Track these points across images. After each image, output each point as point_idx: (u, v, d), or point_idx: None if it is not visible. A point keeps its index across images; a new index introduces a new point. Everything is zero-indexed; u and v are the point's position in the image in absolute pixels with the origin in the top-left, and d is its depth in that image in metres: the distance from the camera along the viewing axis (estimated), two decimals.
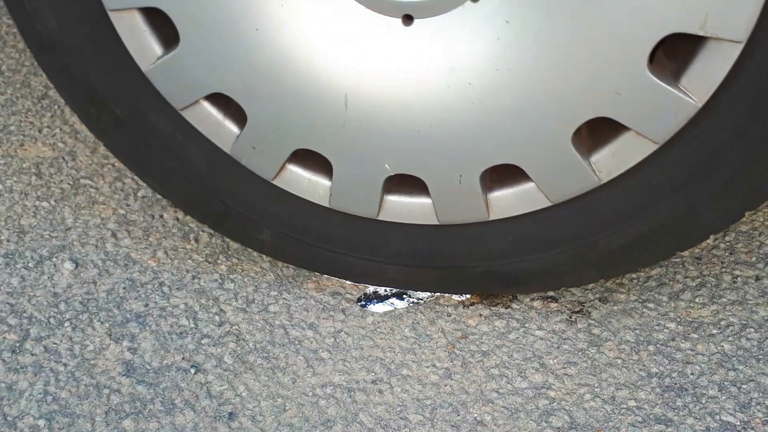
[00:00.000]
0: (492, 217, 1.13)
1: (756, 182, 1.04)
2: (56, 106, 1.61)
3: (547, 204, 1.10)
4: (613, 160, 1.06)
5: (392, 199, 1.15)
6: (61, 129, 1.56)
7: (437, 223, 1.15)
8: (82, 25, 1.14)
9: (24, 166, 1.47)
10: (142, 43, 1.12)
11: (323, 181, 1.16)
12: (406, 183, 1.14)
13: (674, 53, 1.00)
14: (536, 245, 1.15)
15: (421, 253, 1.19)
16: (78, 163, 1.48)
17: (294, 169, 1.16)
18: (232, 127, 1.16)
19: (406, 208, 1.15)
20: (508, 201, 1.12)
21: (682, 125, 1.01)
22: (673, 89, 0.98)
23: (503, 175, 1.11)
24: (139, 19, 1.11)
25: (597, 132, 1.06)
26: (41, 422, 1.07)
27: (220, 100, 1.14)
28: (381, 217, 1.16)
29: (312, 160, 1.16)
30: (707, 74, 0.97)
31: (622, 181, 1.07)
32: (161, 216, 1.38)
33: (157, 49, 1.12)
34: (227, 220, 1.24)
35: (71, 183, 1.44)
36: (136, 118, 1.19)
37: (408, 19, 1.04)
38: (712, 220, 1.09)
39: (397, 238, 1.18)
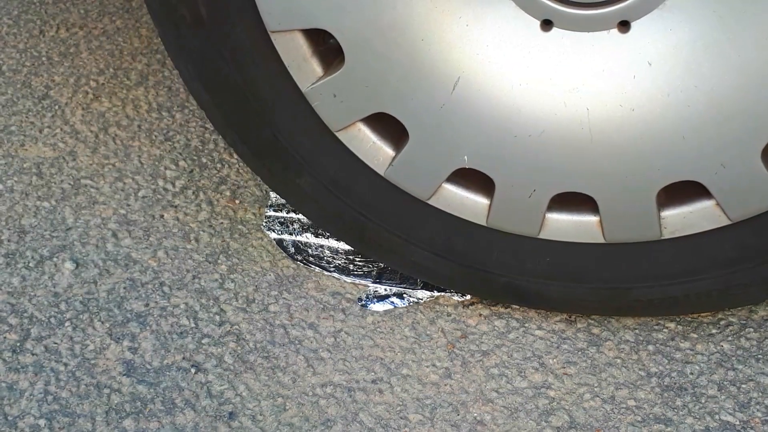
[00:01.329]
0: (541, 236, 1.13)
1: None
2: (57, 107, 1.62)
3: (601, 241, 1.11)
4: (681, 221, 1.08)
5: (448, 188, 1.14)
6: (61, 129, 1.56)
7: (484, 224, 1.14)
8: None
9: (25, 166, 1.47)
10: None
11: (387, 149, 1.14)
12: (469, 177, 1.13)
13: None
14: (571, 275, 1.16)
15: (455, 249, 1.18)
16: (78, 164, 1.48)
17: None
18: (317, 68, 1.11)
19: (459, 201, 1.14)
20: (564, 225, 1.12)
21: (761, 212, 1.04)
22: None
23: (570, 198, 1.11)
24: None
25: (675, 190, 1.07)
26: (42, 422, 1.08)
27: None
28: (431, 202, 1.15)
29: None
30: None
31: (681, 243, 1.09)
32: (162, 216, 1.39)
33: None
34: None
35: (72, 183, 1.44)
36: (219, 24, 1.11)
37: (547, 25, 1.02)
38: (741, 299, 1.13)
39: (439, 227, 1.17)
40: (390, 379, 1.14)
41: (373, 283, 1.27)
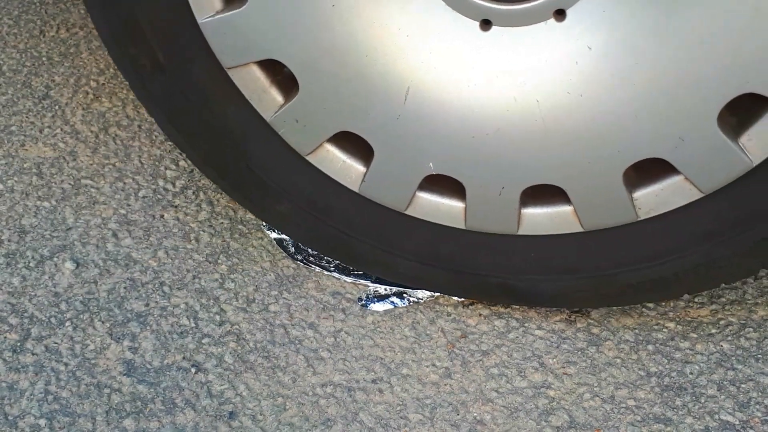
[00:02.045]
0: (520, 232, 1.14)
1: None
2: (57, 107, 1.62)
3: (579, 230, 1.11)
4: (654, 200, 1.07)
5: (423, 196, 1.15)
6: (62, 129, 1.56)
7: (463, 227, 1.15)
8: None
9: (25, 166, 1.47)
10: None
11: (358, 165, 1.16)
12: (441, 183, 1.14)
13: (737, 108, 1.01)
14: (558, 268, 1.16)
15: (441, 254, 1.19)
16: (79, 164, 1.48)
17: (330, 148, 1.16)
18: (277, 96, 1.14)
19: (435, 207, 1.15)
20: (540, 219, 1.12)
21: (731, 180, 1.02)
22: (733, 144, 1.00)
23: (542, 192, 1.11)
24: None
25: (643, 168, 1.07)
26: (42, 422, 1.08)
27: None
28: (408, 212, 1.16)
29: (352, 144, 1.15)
30: (766, 135, 0.99)
31: (658, 221, 1.09)
32: (162, 216, 1.39)
33: (217, 2, 1.09)
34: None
35: (72, 183, 1.44)
36: (178, 67, 1.16)
37: (486, 24, 1.03)
38: (731, 272, 1.11)
39: (419, 235, 1.18)
40: (390, 379, 1.14)
41: (373, 282, 1.27)
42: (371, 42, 1.05)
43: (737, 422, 1.09)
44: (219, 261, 1.31)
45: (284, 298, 1.26)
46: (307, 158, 1.16)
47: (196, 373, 1.14)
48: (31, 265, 1.29)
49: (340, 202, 1.19)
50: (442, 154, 1.10)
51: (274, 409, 1.10)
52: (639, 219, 1.08)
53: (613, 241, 1.12)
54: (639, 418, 1.09)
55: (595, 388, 1.13)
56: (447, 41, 1.05)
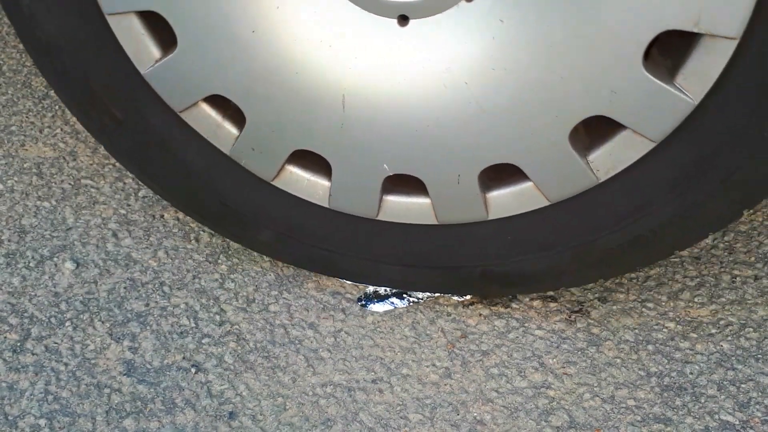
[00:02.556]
0: (491, 217, 1.13)
1: (753, 181, 1.04)
2: (57, 107, 1.62)
3: (546, 203, 1.11)
4: (610, 159, 1.05)
5: (391, 199, 1.16)
6: (62, 129, 1.56)
7: (436, 222, 1.15)
8: (81, 29, 1.14)
9: (25, 166, 1.47)
10: (140, 47, 1.12)
11: (322, 181, 1.17)
12: (406, 183, 1.14)
13: (669, 51, 1.00)
14: (535, 245, 1.15)
15: (419, 253, 1.19)
16: (79, 163, 1.48)
17: (293, 170, 1.17)
18: (232, 129, 1.16)
19: (405, 208, 1.16)
20: (506, 200, 1.12)
21: (678, 123, 1.00)
22: (668, 87, 0.98)
23: (503, 174, 1.12)
24: (137, 23, 1.11)
25: (595, 131, 1.06)
26: (42, 422, 1.08)
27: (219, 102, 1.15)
28: (380, 217, 1.17)
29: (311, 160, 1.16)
30: (702, 72, 0.96)
31: (620, 180, 1.07)
32: (162, 216, 1.39)
33: (155, 52, 1.13)
34: (226, 220, 1.25)
35: (72, 183, 1.44)
36: (135, 120, 1.19)
37: (404, 20, 1.04)
38: (710, 219, 1.09)
39: (395, 238, 1.19)
40: (390, 379, 1.14)
41: (373, 283, 1.27)
42: (298, 59, 1.07)
43: (737, 422, 1.09)
44: (219, 261, 1.31)
45: (284, 298, 1.26)
46: (274, 183, 1.18)
47: (196, 373, 1.14)
48: (31, 265, 1.29)
49: (315, 221, 1.20)
50: (392, 153, 1.10)
51: (274, 409, 1.10)
52: (600, 181, 1.07)
53: (582, 209, 1.11)
54: (639, 418, 1.09)
55: (595, 388, 1.13)
56: (369, 43, 1.06)
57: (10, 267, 1.29)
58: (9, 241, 1.33)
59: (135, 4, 1.09)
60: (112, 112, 1.20)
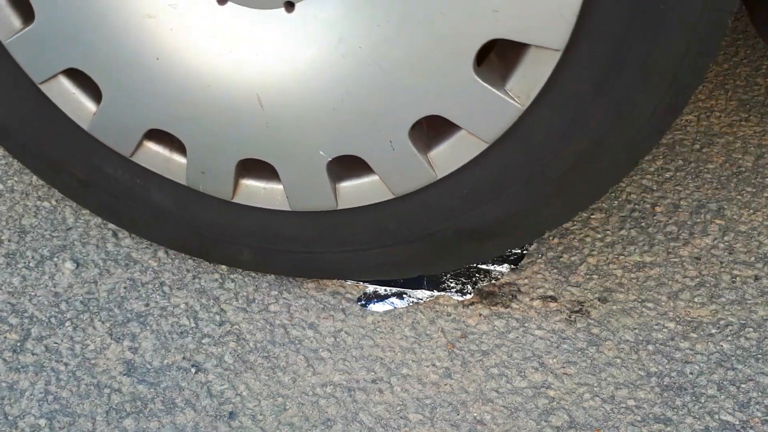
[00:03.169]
0: (340, 206, 1.15)
1: (582, 184, 1.08)
2: None
3: (391, 196, 1.13)
4: (448, 157, 1.09)
5: (248, 183, 1.17)
6: None
7: (289, 209, 1.17)
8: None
9: None
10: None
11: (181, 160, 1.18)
12: (263, 168, 1.16)
13: (505, 57, 1.03)
14: (382, 236, 1.18)
15: (276, 237, 1.21)
16: None
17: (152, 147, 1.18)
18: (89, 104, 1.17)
19: (260, 192, 1.17)
20: (355, 191, 1.14)
21: (508, 127, 1.03)
22: (498, 92, 1.01)
23: (357, 166, 1.14)
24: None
25: (437, 129, 1.09)
26: (42, 421, 1.08)
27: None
28: (236, 200, 1.18)
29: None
30: (529, 79, 1.00)
31: (458, 177, 1.10)
32: None
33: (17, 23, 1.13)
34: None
35: None
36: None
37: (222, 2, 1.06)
38: (544, 218, 1.13)
39: (252, 222, 1.21)
40: (390, 379, 1.14)
41: (373, 283, 1.27)
42: (158, 41, 1.08)
43: (737, 422, 1.09)
44: None
45: (284, 298, 1.26)
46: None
47: (196, 373, 1.14)
48: (31, 265, 1.29)
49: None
50: (245, 139, 1.12)
51: (274, 409, 1.10)
52: (439, 177, 1.10)
53: (424, 203, 1.14)
54: (639, 418, 1.09)
55: (595, 388, 1.13)
56: (219, 31, 1.07)
57: (10, 267, 1.29)
58: (9, 241, 1.33)
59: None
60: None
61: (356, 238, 1.18)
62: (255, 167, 1.15)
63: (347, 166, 1.12)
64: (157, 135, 1.16)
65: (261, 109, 1.08)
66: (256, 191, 1.17)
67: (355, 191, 1.14)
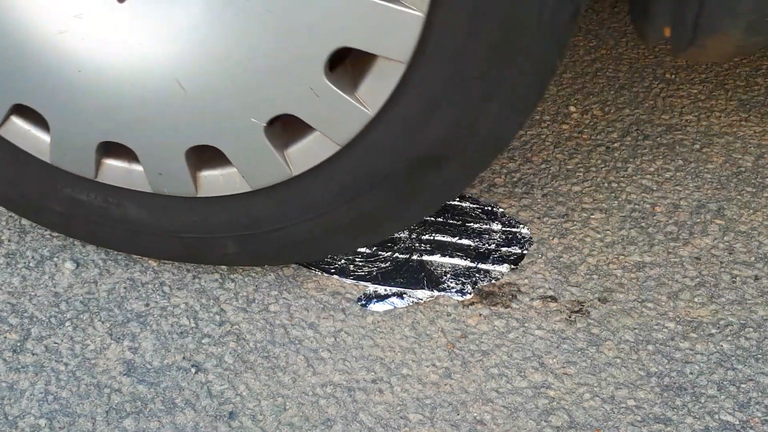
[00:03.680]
0: (200, 194, 1.17)
1: (433, 188, 1.13)
2: None
3: (248, 189, 1.15)
4: (303, 156, 1.12)
5: (111, 163, 1.18)
6: None
7: (151, 191, 1.18)
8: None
9: None
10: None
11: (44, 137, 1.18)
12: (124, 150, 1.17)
13: (358, 64, 1.06)
14: (241, 226, 1.20)
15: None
16: None
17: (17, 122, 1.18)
18: None
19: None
20: (216, 181, 1.16)
21: (358, 131, 1.07)
22: (349, 98, 1.04)
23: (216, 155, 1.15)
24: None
25: (296, 127, 1.12)
26: (42, 421, 1.08)
27: None
28: (99, 179, 1.19)
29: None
30: (377, 88, 1.04)
31: (311, 176, 1.13)
32: None
33: None
34: None
35: None
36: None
37: None
38: (393, 218, 1.17)
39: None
40: (390, 379, 1.14)
41: (373, 283, 1.27)
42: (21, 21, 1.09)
43: (737, 422, 1.09)
44: None
45: (284, 298, 1.26)
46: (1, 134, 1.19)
47: (196, 373, 1.14)
48: (31, 265, 1.29)
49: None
50: (106, 122, 1.12)
51: (274, 409, 1.10)
52: (294, 175, 1.13)
53: (279, 198, 1.16)
54: (639, 418, 1.09)
55: (595, 388, 1.13)
56: (97, 22, 1.08)
57: (11, 267, 1.29)
58: (9, 241, 1.33)
59: None
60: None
61: (214, 228, 1.22)
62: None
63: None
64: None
65: (121, 96, 1.10)
66: (216, 180, 1.17)
67: (214, 181, 1.17)
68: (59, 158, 1.18)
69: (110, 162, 1.18)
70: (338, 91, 1.04)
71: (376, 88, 1.04)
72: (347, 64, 1.08)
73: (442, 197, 1.17)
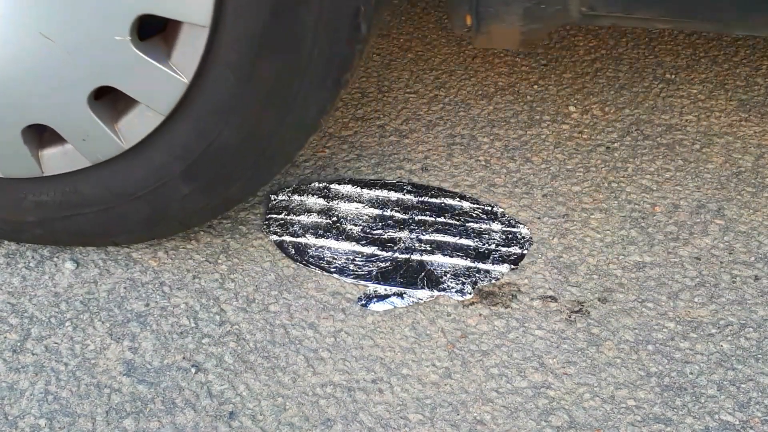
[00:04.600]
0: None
1: (265, 150, 1.16)
2: None
3: (88, 164, 1.16)
4: (131, 129, 1.13)
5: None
6: None
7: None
8: None
9: None
10: None
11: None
12: None
13: (168, 33, 1.08)
14: (84, 202, 1.21)
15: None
16: None
17: None
18: None
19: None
20: (57, 159, 1.17)
21: (178, 100, 1.09)
22: (163, 67, 1.05)
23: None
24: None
25: (125, 100, 1.12)
26: (42, 421, 1.08)
27: None
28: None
29: None
30: (188, 54, 1.06)
31: (142, 148, 1.14)
32: None
33: None
34: None
35: None
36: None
37: None
38: (229, 194, 1.21)
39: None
40: (390, 379, 1.14)
41: (373, 283, 1.27)
42: None
43: (737, 422, 1.09)
44: (219, 261, 1.31)
45: (284, 298, 1.26)
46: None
47: (196, 373, 1.14)
48: (31, 265, 1.29)
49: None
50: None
51: (274, 409, 1.10)
52: (126, 148, 1.14)
53: (115, 172, 1.17)
54: (639, 418, 1.09)
55: (595, 388, 1.13)
56: None
57: (10, 267, 1.29)
58: (9, 240, 1.33)
59: None
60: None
61: (59, 206, 1.22)
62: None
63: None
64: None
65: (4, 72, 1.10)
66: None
67: (57, 159, 1.17)
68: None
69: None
70: (150, 59, 1.05)
71: (187, 55, 1.06)
72: (160, 37, 1.09)
73: (284, 158, 1.20)
